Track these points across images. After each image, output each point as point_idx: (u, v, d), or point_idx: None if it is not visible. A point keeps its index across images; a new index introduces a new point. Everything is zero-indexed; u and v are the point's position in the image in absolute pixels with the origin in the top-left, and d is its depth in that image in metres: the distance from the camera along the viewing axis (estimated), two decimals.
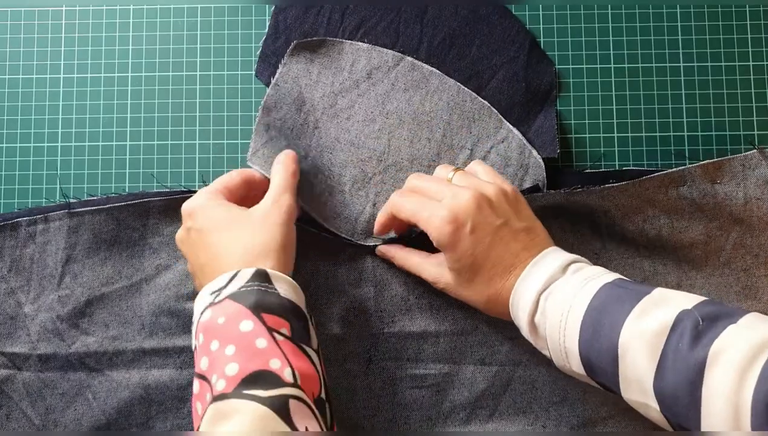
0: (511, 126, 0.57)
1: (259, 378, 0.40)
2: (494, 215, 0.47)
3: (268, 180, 0.53)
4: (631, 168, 0.58)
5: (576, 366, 0.43)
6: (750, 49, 0.60)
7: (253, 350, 0.41)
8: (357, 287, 0.57)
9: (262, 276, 0.45)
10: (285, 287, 0.45)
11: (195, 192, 0.56)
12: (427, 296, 0.57)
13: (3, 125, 0.61)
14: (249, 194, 0.54)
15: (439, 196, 0.49)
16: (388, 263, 0.57)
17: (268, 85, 0.59)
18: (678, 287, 0.56)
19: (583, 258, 0.47)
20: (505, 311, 0.48)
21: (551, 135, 0.58)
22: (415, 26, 0.59)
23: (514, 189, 0.50)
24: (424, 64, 0.58)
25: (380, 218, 0.53)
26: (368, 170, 0.57)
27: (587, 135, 0.59)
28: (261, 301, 0.43)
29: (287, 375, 0.40)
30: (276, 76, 0.59)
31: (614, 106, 0.60)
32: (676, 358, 0.37)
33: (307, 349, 0.43)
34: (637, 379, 0.39)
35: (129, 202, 0.57)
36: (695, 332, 0.37)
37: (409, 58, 0.59)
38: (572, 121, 0.60)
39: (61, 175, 0.60)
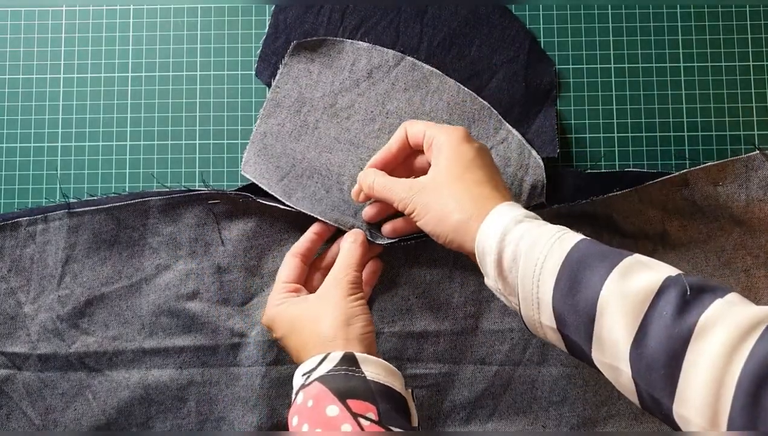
0: (510, 127, 0.57)
1: None
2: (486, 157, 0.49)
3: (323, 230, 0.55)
4: (631, 169, 0.58)
5: (546, 319, 0.42)
6: (750, 49, 0.60)
7: (338, 434, 0.42)
8: None
9: (349, 360, 0.45)
10: (373, 368, 0.45)
11: (195, 191, 0.57)
12: (427, 296, 0.57)
13: (3, 125, 0.61)
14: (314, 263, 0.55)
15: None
16: (389, 263, 0.57)
17: (268, 85, 0.59)
18: None
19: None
20: (458, 226, 0.46)
21: (551, 135, 0.58)
22: (415, 26, 0.59)
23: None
24: (424, 64, 0.58)
25: (389, 144, 0.53)
26: None
27: (587, 135, 0.59)
28: (346, 386, 0.43)
29: None
30: (276, 77, 0.59)
31: (614, 106, 0.60)
32: (660, 326, 0.36)
33: (398, 431, 0.43)
34: (613, 341, 0.38)
35: (129, 202, 0.57)
36: (682, 301, 0.36)
37: (410, 58, 0.59)
38: (572, 121, 0.60)
39: (61, 175, 0.60)
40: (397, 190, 0.49)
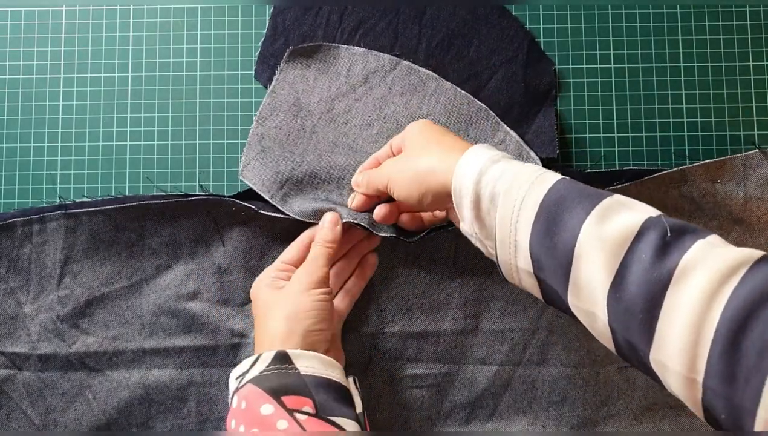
0: (508, 128, 0.57)
1: None
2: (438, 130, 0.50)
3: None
4: (631, 168, 0.58)
5: (523, 262, 0.40)
6: (750, 49, 0.60)
7: (275, 432, 0.42)
8: None
9: (281, 358, 0.45)
10: (308, 363, 0.45)
11: (192, 196, 0.56)
12: (427, 296, 0.57)
13: (3, 125, 0.61)
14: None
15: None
16: (389, 263, 0.57)
17: (266, 86, 0.59)
18: None
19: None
20: (441, 188, 0.45)
21: (550, 135, 0.58)
22: (413, 27, 0.59)
23: None
24: (420, 68, 0.58)
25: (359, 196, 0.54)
26: None
27: (587, 135, 0.59)
28: (279, 383, 0.44)
29: None
30: (272, 83, 0.58)
31: (614, 106, 0.60)
32: (638, 269, 0.34)
33: (337, 419, 0.44)
34: (590, 286, 0.36)
35: (125, 205, 0.57)
36: (661, 243, 0.34)
37: (406, 62, 0.58)
38: (572, 121, 0.60)
39: (61, 176, 0.60)
40: (378, 173, 0.51)
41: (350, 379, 0.48)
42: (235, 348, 0.57)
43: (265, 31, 0.60)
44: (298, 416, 0.43)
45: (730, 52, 0.60)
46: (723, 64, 0.60)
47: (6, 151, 0.61)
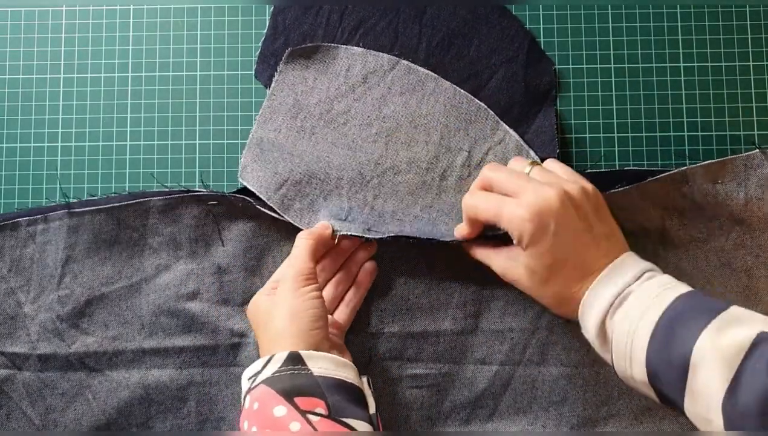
0: (508, 127, 0.57)
1: None
2: (578, 218, 0.46)
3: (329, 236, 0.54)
4: (632, 168, 0.58)
5: (638, 373, 0.43)
6: (750, 49, 0.60)
7: (288, 433, 0.42)
8: None
9: (294, 359, 0.45)
10: (320, 363, 0.45)
11: (195, 192, 0.57)
12: (426, 296, 0.57)
13: (3, 125, 0.61)
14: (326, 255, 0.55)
15: (519, 192, 0.47)
16: (388, 263, 0.57)
17: (266, 86, 0.59)
18: None
19: (656, 266, 0.47)
20: (574, 312, 0.47)
21: (550, 135, 0.58)
22: (413, 26, 0.59)
23: (594, 189, 0.48)
24: (419, 68, 0.58)
25: (461, 228, 0.53)
26: (366, 174, 0.57)
27: (587, 135, 0.59)
28: (292, 384, 0.44)
29: None
30: (272, 85, 0.59)
31: (614, 106, 0.60)
32: (753, 379, 0.37)
33: (350, 421, 0.44)
34: (706, 394, 0.39)
35: (129, 202, 0.57)
36: None
37: (405, 62, 0.59)
38: (572, 121, 0.60)
39: (61, 175, 0.60)
40: (493, 261, 0.51)
41: (364, 379, 0.48)
42: (234, 348, 0.57)
43: (265, 31, 0.60)
44: (311, 417, 0.43)
45: (730, 52, 0.60)
46: (723, 64, 0.60)
47: (6, 151, 0.61)
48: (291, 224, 0.56)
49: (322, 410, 0.43)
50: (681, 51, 0.60)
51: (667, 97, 0.60)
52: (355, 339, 0.56)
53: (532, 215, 0.45)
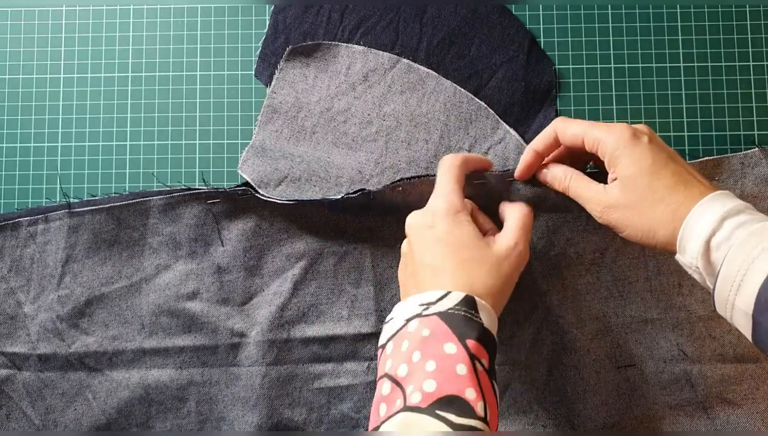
0: (508, 127, 0.57)
1: (454, 403, 0.40)
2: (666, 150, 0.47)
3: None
4: None
5: (743, 302, 0.41)
6: (750, 49, 0.60)
7: (453, 373, 0.41)
8: (357, 287, 0.57)
9: (470, 303, 0.44)
10: (489, 319, 0.44)
11: (195, 190, 0.57)
12: None
13: (3, 125, 0.61)
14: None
15: (605, 124, 0.47)
16: (389, 263, 0.57)
17: (267, 85, 0.59)
18: (679, 286, 0.56)
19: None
20: (664, 240, 0.45)
21: None
22: (414, 25, 0.59)
23: None
24: (420, 66, 0.58)
25: (535, 144, 0.50)
26: (365, 172, 0.57)
27: None
28: (466, 328, 0.43)
29: (479, 408, 0.40)
30: (272, 83, 0.59)
31: (614, 106, 0.60)
32: None
33: (496, 386, 0.43)
34: None
35: (129, 202, 0.57)
36: None
37: (405, 60, 0.59)
38: None
39: (61, 175, 0.60)
40: (589, 199, 0.48)
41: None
42: (235, 348, 0.57)
43: (265, 30, 0.60)
44: (477, 365, 0.42)
45: (730, 52, 0.60)
46: (723, 64, 0.60)
47: (6, 151, 0.61)
48: (290, 224, 0.56)
49: (485, 362, 0.42)
50: (681, 51, 0.60)
51: (667, 97, 0.60)
52: (355, 339, 0.56)
53: (630, 130, 0.46)
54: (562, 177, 0.50)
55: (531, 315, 0.56)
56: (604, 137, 0.46)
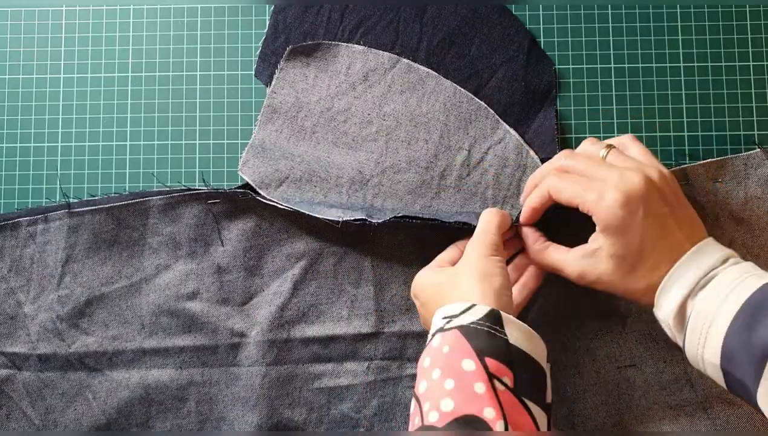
0: (508, 127, 0.57)
1: (471, 423, 0.39)
2: (662, 202, 0.46)
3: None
4: None
5: (711, 355, 0.42)
6: (750, 49, 0.60)
7: (471, 392, 0.40)
8: (357, 287, 0.57)
9: (494, 317, 0.43)
10: (517, 334, 0.43)
11: (195, 190, 0.57)
12: None
13: (3, 125, 0.61)
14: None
15: (601, 177, 0.46)
16: (389, 263, 0.57)
17: (267, 84, 0.59)
18: None
19: (736, 253, 0.46)
20: (650, 297, 0.46)
21: (551, 135, 0.58)
22: (414, 25, 0.59)
23: (670, 173, 0.48)
24: (420, 66, 0.58)
25: (531, 202, 0.50)
26: (366, 172, 0.57)
27: (587, 135, 0.59)
28: (487, 344, 0.42)
29: (499, 427, 0.39)
30: (272, 83, 0.59)
31: (614, 106, 0.60)
32: None
33: (530, 404, 0.41)
34: None
35: (129, 202, 0.57)
36: None
37: (405, 60, 0.59)
38: (572, 121, 0.60)
39: (61, 175, 0.60)
40: (568, 264, 0.48)
41: (548, 364, 0.45)
42: (235, 348, 0.57)
43: (265, 30, 0.60)
44: (497, 384, 0.41)
45: (730, 52, 0.60)
46: (723, 64, 0.60)
47: (6, 151, 0.61)
48: (290, 224, 0.56)
49: (508, 381, 0.41)
50: (681, 51, 0.60)
51: (667, 97, 0.60)
52: (355, 339, 0.56)
53: (622, 200, 0.45)
54: (531, 250, 0.51)
55: (531, 315, 0.56)
56: (596, 209, 0.46)
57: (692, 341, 0.43)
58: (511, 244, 0.53)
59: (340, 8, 0.59)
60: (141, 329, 0.57)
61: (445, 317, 0.44)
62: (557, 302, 0.56)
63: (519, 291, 0.52)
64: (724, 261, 0.44)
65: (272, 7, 0.60)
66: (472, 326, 0.42)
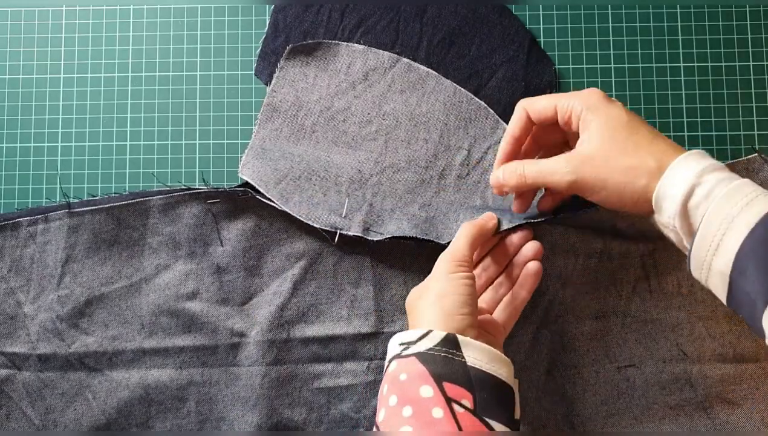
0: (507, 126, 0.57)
1: None
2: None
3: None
4: None
5: (721, 263, 0.40)
6: (750, 49, 0.60)
7: (429, 417, 0.41)
8: (357, 287, 0.57)
9: (451, 342, 0.43)
10: (475, 354, 0.43)
11: (195, 190, 0.57)
12: None
13: (3, 125, 0.61)
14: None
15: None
16: (388, 263, 0.57)
17: (267, 84, 0.59)
18: (679, 286, 0.56)
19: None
20: (644, 191, 0.43)
21: None
22: (414, 25, 0.59)
23: None
24: (420, 66, 0.58)
25: (510, 130, 0.50)
26: (365, 171, 0.57)
27: None
28: (444, 369, 0.42)
29: None
30: (272, 82, 0.59)
31: None
32: None
33: (492, 423, 0.42)
34: None
35: (129, 202, 0.57)
36: None
37: (406, 60, 0.59)
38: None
39: (61, 175, 0.60)
40: (554, 168, 0.46)
41: (516, 380, 0.46)
42: (234, 348, 0.57)
43: (265, 29, 0.60)
44: (456, 407, 0.41)
45: (730, 52, 0.60)
46: (723, 64, 0.60)
47: (6, 151, 0.61)
48: (290, 224, 0.56)
49: (468, 402, 0.41)
50: (681, 51, 0.60)
51: (667, 97, 0.60)
52: (354, 339, 0.56)
53: (594, 89, 0.46)
54: (515, 167, 0.49)
55: (530, 315, 0.56)
56: (575, 100, 0.46)
57: (702, 247, 0.41)
58: (499, 257, 0.53)
59: (340, 7, 0.59)
60: (141, 329, 0.57)
61: (401, 344, 0.45)
62: (557, 302, 0.56)
63: (502, 311, 0.52)
64: (722, 166, 0.42)
65: (272, 7, 0.60)
66: (429, 352, 0.43)
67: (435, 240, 0.54)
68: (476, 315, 0.46)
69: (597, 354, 0.56)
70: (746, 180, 0.41)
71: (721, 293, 0.41)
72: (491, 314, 0.51)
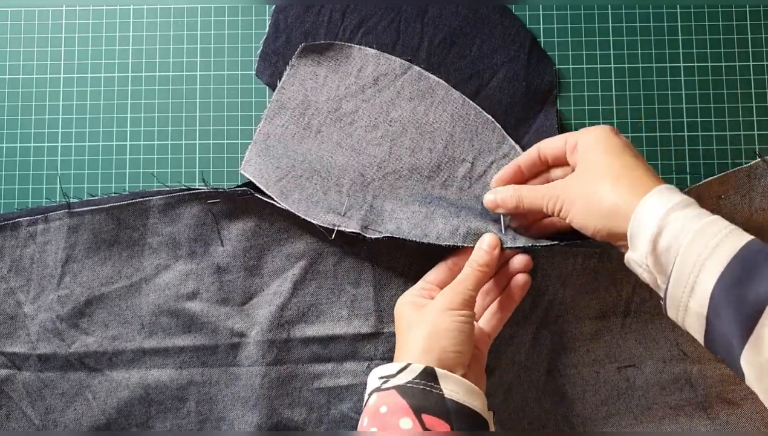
0: (514, 142, 0.57)
1: None
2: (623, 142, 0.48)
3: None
4: None
5: (697, 305, 0.40)
6: (750, 49, 0.60)
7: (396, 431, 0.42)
8: (357, 287, 0.57)
9: (429, 375, 0.45)
10: (452, 387, 0.45)
11: (195, 190, 0.57)
12: None
13: (3, 125, 0.61)
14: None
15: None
16: (388, 263, 0.57)
17: (267, 84, 0.59)
18: None
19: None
20: (620, 224, 0.44)
21: (552, 135, 0.58)
22: (415, 25, 0.59)
23: None
24: (431, 75, 0.58)
25: (511, 166, 0.53)
26: (367, 176, 0.57)
27: None
28: (423, 401, 0.43)
29: None
30: (282, 78, 0.59)
31: (614, 106, 0.60)
32: None
33: None
34: None
35: (129, 202, 0.57)
36: None
37: (417, 68, 0.58)
38: (572, 121, 0.60)
39: (61, 175, 0.60)
40: (544, 192, 0.49)
41: (491, 412, 0.47)
42: (234, 348, 0.57)
43: (266, 30, 0.60)
44: None
45: (730, 52, 0.60)
46: (723, 64, 0.60)
47: (6, 151, 0.61)
48: (291, 224, 0.56)
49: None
50: (681, 51, 0.60)
51: (667, 97, 0.60)
52: (354, 339, 0.56)
53: (601, 126, 0.48)
54: (511, 192, 0.51)
55: (530, 315, 0.56)
56: (583, 134, 0.48)
57: (678, 288, 0.41)
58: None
59: (341, 8, 0.59)
60: (141, 329, 0.57)
61: (381, 377, 0.46)
62: (557, 303, 0.56)
63: (489, 320, 0.53)
64: (692, 202, 0.43)
65: (273, 7, 0.60)
66: (408, 385, 0.44)
67: (434, 242, 0.54)
68: (470, 355, 0.48)
69: (597, 354, 0.56)
70: (716, 217, 0.42)
71: (698, 333, 0.42)
72: (477, 321, 0.52)
